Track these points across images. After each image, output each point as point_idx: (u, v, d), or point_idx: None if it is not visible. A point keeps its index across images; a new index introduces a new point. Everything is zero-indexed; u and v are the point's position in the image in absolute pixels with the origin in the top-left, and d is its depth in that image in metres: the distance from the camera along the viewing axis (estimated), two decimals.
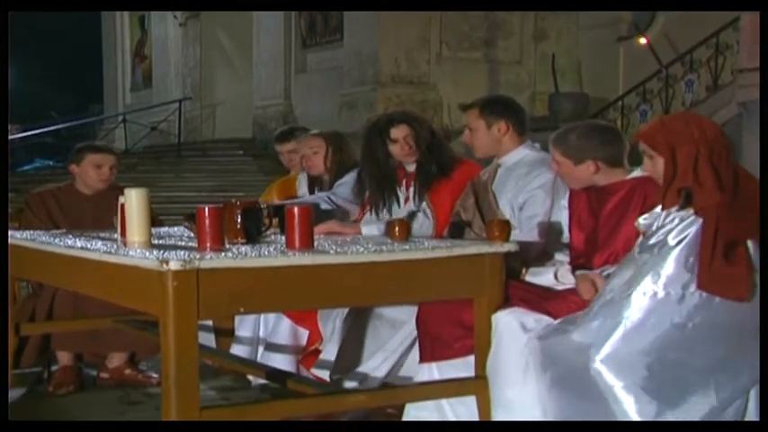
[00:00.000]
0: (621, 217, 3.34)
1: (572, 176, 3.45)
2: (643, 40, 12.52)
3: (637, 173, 3.38)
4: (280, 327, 4.03)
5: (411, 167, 4.14)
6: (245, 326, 4.25)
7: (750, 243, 2.87)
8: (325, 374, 3.74)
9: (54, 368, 4.57)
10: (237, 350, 4.23)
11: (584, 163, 3.38)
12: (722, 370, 2.86)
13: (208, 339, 4.38)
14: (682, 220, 2.94)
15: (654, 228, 3.02)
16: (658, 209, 3.06)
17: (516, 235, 3.46)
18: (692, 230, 2.90)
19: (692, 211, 2.93)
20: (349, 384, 3.64)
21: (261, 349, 4.18)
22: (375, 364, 3.63)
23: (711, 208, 2.88)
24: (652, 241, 2.98)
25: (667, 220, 2.98)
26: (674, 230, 2.93)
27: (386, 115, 4.22)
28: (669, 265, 2.90)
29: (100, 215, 4.44)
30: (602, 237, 3.38)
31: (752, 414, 2.89)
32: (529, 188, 3.70)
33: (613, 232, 3.36)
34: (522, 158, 3.80)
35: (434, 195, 4.05)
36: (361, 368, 3.66)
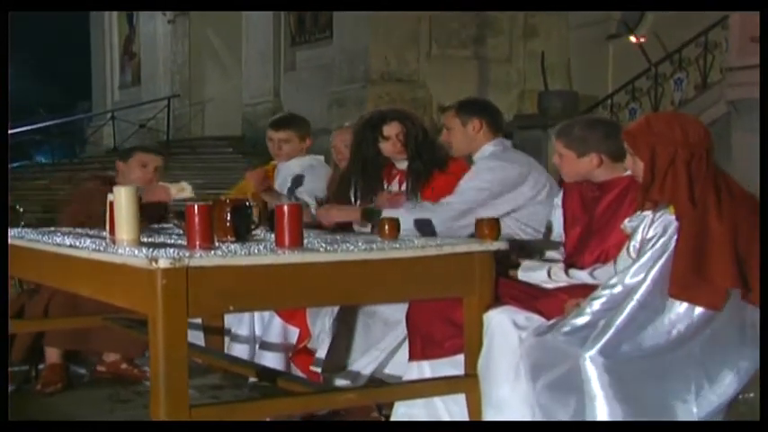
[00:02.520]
0: (614, 215, 3.34)
1: (573, 169, 3.44)
2: (634, 39, 12.53)
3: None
4: (271, 325, 4.03)
5: (402, 165, 4.14)
6: (242, 324, 4.25)
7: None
8: (317, 372, 3.75)
9: (41, 366, 4.56)
10: (235, 349, 4.23)
11: (588, 156, 3.38)
12: (703, 374, 2.88)
13: (196, 337, 4.37)
14: (664, 229, 2.95)
15: (640, 234, 3.03)
16: (645, 212, 3.07)
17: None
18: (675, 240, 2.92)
19: (673, 216, 2.94)
20: (340, 382, 3.64)
21: (257, 347, 4.19)
22: (367, 362, 3.62)
23: (686, 218, 2.88)
24: (641, 248, 3.00)
25: (651, 229, 2.99)
26: (662, 239, 2.94)
27: (379, 112, 4.23)
28: (656, 274, 2.91)
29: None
30: (594, 234, 3.39)
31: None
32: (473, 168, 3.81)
33: (604, 229, 3.36)
34: (485, 152, 3.88)
35: (429, 193, 4.04)
36: (354, 366, 3.65)
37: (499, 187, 3.76)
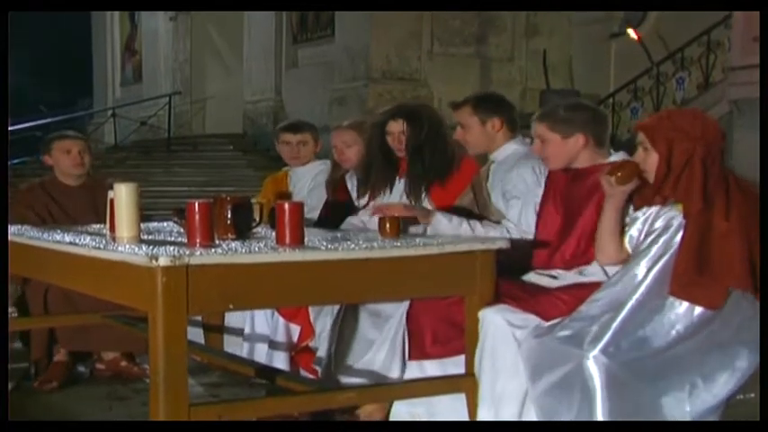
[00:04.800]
0: (589, 202, 3.31)
1: (557, 153, 3.39)
2: (633, 35, 12.52)
3: (615, 157, 3.36)
4: (278, 324, 4.02)
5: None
6: (235, 321, 4.24)
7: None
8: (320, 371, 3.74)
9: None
10: (228, 344, 4.23)
11: (574, 136, 3.35)
12: (698, 374, 2.87)
13: (196, 335, 4.36)
14: (667, 225, 2.94)
15: (641, 225, 3.02)
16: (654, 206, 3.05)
17: (512, 230, 3.47)
18: (679, 238, 2.90)
19: (680, 213, 2.93)
20: (345, 380, 3.62)
21: (252, 345, 4.17)
22: (369, 359, 3.58)
23: (694, 216, 2.87)
24: (642, 241, 2.99)
25: (657, 222, 2.98)
26: (664, 237, 2.93)
27: (396, 107, 4.20)
28: (658, 273, 2.90)
29: (98, 207, 4.43)
30: (573, 222, 3.35)
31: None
32: (509, 178, 3.68)
33: (581, 217, 3.33)
34: (511, 153, 3.80)
35: (435, 196, 4.00)
36: (357, 364, 3.63)
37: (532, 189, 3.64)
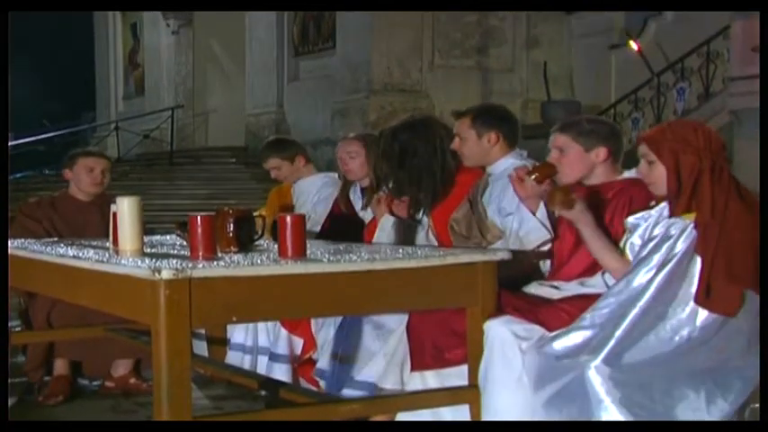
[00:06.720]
0: (609, 221, 3.31)
1: (576, 165, 3.38)
2: (634, 46, 12.55)
3: (627, 174, 3.38)
4: (279, 336, 4.03)
5: None
6: (238, 333, 4.25)
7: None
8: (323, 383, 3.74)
9: (47, 378, 4.55)
10: (232, 357, 4.23)
11: (595, 149, 3.36)
12: (712, 382, 2.86)
13: (200, 347, 4.38)
14: (667, 232, 2.94)
15: (642, 231, 3.02)
16: (652, 211, 3.04)
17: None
18: (684, 246, 2.91)
19: (688, 222, 2.93)
20: (347, 392, 3.62)
21: (254, 357, 4.18)
22: (370, 371, 3.58)
23: (708, 226, 2.88)
24: (644, 250, 2.99)
25: (656, 228, 2.98)
26: (666, 243, 2.94)
27: (400, 121, 4.17)
28: (662, 282, 2.90)
29: (107, 223, 4.44)
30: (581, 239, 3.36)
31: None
32: (504, 194, 3.64)
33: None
34: (508, 167, 3.78)
35: (436, 211, 3.98)
36: (359, 376, 3.63)
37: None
